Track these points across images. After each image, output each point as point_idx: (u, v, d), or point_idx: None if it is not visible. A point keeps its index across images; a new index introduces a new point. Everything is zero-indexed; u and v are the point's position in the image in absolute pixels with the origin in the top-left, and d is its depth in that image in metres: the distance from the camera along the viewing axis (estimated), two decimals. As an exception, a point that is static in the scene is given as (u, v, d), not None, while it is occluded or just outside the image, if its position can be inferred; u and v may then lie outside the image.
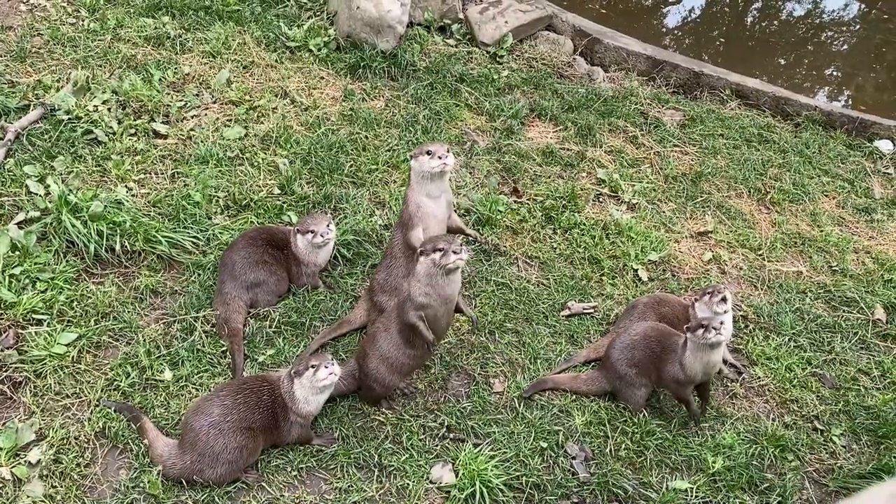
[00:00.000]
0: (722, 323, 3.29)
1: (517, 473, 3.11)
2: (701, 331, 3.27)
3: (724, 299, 3.56)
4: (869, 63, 7.69)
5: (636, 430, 3.38)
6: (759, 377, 3.81)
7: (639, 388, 3.48)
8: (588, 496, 3.12)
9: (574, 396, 3.51)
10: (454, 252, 3.03)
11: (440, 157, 3.51)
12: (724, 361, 3.75)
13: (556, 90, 5.57)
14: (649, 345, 3.46)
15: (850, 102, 6.91)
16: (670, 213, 4.73)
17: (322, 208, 4.05)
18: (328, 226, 3.64)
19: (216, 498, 2.86)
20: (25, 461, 2.85)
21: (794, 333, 4.05)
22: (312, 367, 2.98)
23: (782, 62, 7.54)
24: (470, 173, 4.66)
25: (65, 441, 2.94)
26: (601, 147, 5.13)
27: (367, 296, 3.67)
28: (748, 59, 7.25)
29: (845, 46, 8.15)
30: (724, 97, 5.91)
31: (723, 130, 5.55)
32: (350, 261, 3.95)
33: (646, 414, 3.47)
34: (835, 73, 7.64)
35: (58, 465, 2.87)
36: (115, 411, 3.05)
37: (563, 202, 4.56)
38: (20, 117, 4.21)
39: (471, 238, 4.12)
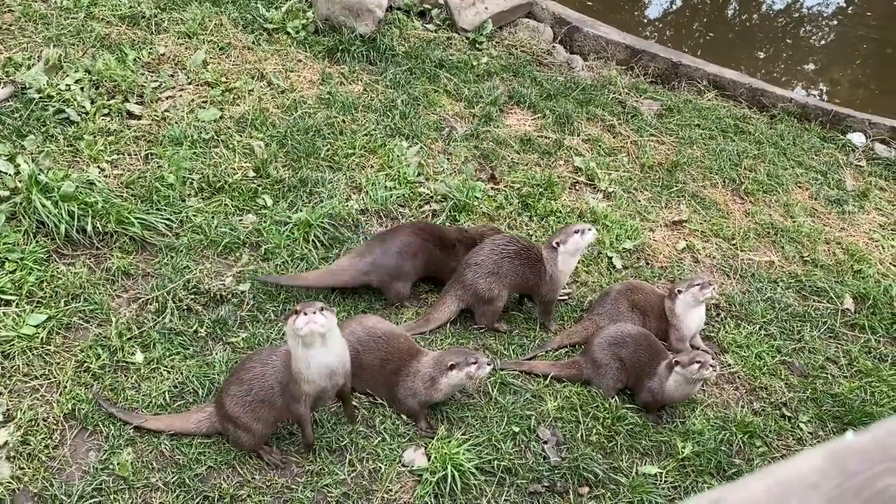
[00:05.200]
0: (713, 366, 3.36)
1: (489, 457, 3.13)
2: (696, 366, 3.34)
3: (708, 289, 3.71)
4: (846, 58, 7.78)
5: (607, 416, 3.41)
6: (730, 364, 3.86)
7: (614, 380, 3.52)
8: (559, 480, 3.15)
9: (547, 382, 3.53)
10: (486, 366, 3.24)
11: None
12: (696, 348, 3.80)
13: (535, 78, 5.57)
14: (637, 350, 3.51)
15: (826, 97, 6.99)
16: (646, 202, 4.76)
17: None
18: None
19: (186, 480, 2.85)
20: (-8, 442, 2.82)
21: (764, 322, 4.11)
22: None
23: (761, 55, 7.60)
24: (447, 159, 4.65)
25: (33, 422, 2.91)
26: (579, 135, 5.15)
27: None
28: (727, 51, 7.31)
29: (823, 41, 8.23)
30: (702, 88, 5.95)
31: (699, 121, 5.59)
32: (325, 245, 3.93)
33: (617, 400, 3.51)
34: (812, 68, 7.72)
35: (25, 446, 2.84)
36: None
37: (540, 189, 4.57)
38: (-10, 95, 4.13)
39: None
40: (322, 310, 2.73)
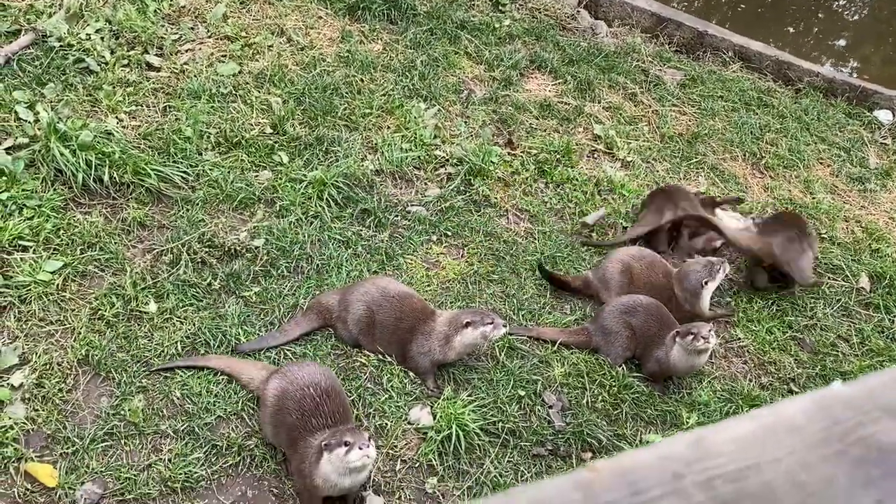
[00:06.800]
0: (710, 331, 3.35)
1: (494, 419, 3.16)
2: (690, 338, 3.34)
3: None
4: (878, 34, 7.58)
5: (613, 384, 3.43)
6: (740, 338, 3.85)
7: (623, 349, 3.53)
8: (562, 444, 3.17)
9: (555, 348, 3.54)
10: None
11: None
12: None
13: (558, 43, 5.49)
14: (648, 319, 3.51)
15: (856, 74, 6.84)
16: (664, 173, 4.71)
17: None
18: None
19: (195, 428, 2.90)
20: (8, 384, 2.87)
21: (777, 297, 4.08)
22: (346, 444, 2.55)
23: (791, 30, 7.42)
24: (465, 123, 4.62)
25: (48, 366, 2.96)
26: (599, 103, 5.09)
27: None
28: (756, 23, 7.14)
29: (856, 17, 8.02)
30: (727, 59, 5.84)
31: (723, 92, 5.50)
32: (339, 204, 3.93)
33: (624, 368, 3.52)
34: (842, 44, 7.54)
35: (40, 389, 2.90)
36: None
37: (558, 156, 4.53)
38: (11, 42, 4.14)
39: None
40: (370, 438, 2.57)
